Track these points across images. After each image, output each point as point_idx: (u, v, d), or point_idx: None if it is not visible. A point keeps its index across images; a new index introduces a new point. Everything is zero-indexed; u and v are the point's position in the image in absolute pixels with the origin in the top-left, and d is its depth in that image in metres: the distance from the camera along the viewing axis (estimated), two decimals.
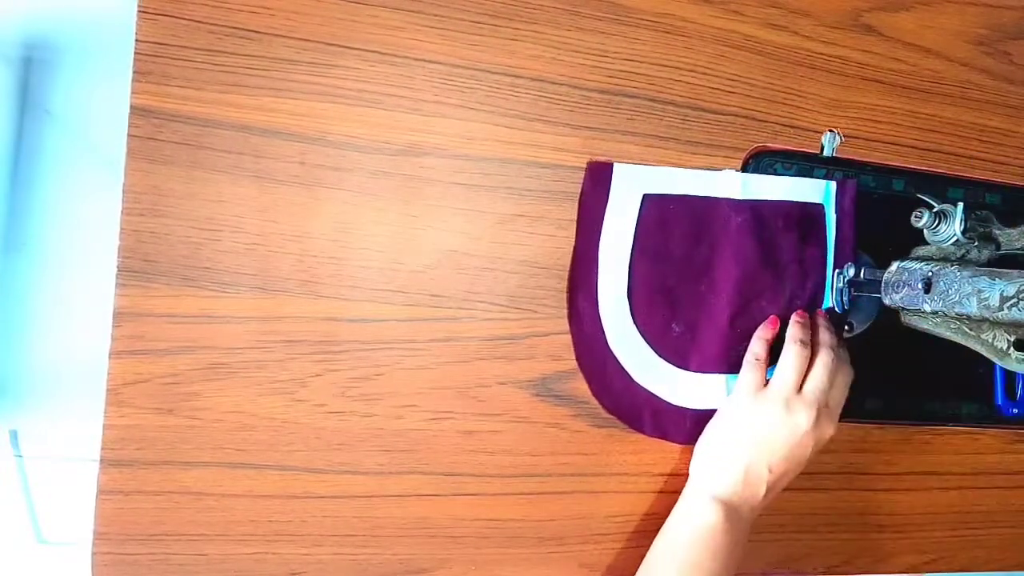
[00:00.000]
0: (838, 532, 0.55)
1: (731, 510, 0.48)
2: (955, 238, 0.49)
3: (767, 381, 0.51)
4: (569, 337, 0.51)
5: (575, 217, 0.51)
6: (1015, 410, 0.59)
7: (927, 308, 0.48)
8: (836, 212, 0.54)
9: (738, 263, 0.52)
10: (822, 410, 0.49)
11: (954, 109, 0.58)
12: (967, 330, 0.49)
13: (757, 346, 0.51)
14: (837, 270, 0.55)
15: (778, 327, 0.52)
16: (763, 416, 0.49)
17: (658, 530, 0.50)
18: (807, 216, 0.54)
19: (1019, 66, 0.59)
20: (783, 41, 0.54)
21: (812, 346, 0.51)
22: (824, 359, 0.50)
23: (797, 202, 0.54)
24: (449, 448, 0.50)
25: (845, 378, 0.51)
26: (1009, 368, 0.48)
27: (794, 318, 0.52)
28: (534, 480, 0.51)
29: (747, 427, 0.49)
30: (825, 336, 0.52)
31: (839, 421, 0.50)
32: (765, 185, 0.53)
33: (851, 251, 0.55)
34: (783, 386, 0.49)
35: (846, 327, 0.56)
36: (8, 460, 0.92)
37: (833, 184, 0.54)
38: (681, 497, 0.50)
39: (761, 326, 0.52)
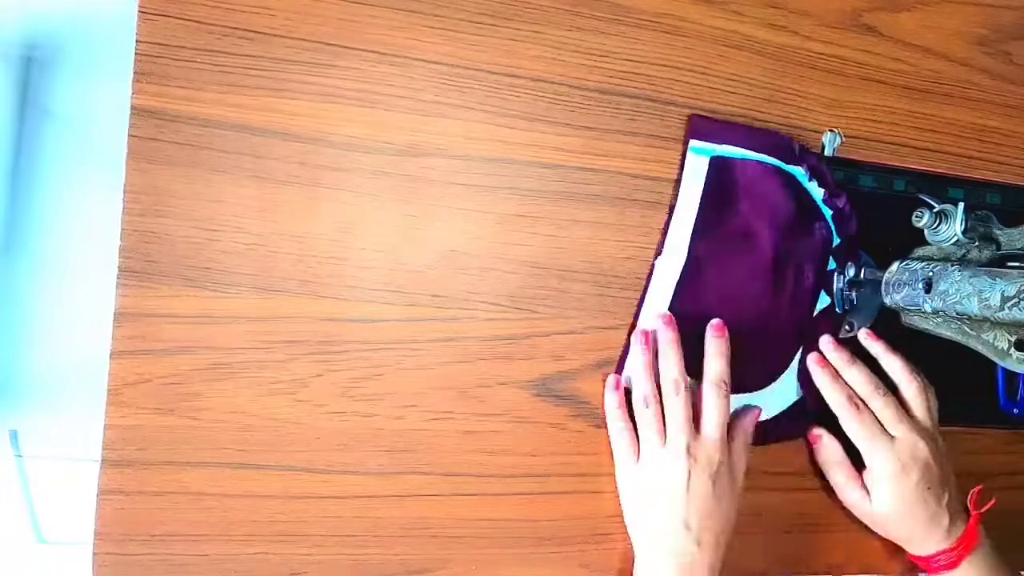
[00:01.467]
0: (838, 532, 0.55)
1: (690, 569, 0.47)
2: (955, 238, 0.49)
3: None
4: (569, 337, 0.51)
5: (575, 217, 0.51)
6: (1016, 410, 0.59)
7: (927, 308, 0.48)
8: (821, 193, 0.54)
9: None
10: (692, 447, 0.47)
11: (954, 109, 0.58)
12: (968, 330, 0.49)
13: (614, 416, 0.50)
14: (838, 270, 0.55)
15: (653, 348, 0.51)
16: (652, 484, 0.48)
17: None
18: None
19: (1019, 66, 0.59)
20: (783, 41, 0.54)
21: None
22: (675, 400, 0.48)
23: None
24: (450, 448, 0.50)
25: (714, 403, 0.49)
26: (1010, 368, 0.48)
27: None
28: (534, 480, 0.51)
29: (647, 500, 0.49)
30: (711, 367, 0.50)
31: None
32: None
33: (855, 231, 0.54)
34: (650, 446, 0.48)
35: (846, 327, 0.56)
36: (8, 460, 0.92)
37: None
38: (635, 569, 0.49)
39: (610, 386, 0.51)
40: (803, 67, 0.54)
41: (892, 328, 0.53)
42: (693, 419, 0.49)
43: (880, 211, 0.56)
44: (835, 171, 0.55)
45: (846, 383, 0.53)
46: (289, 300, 0.47)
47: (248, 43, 0.45)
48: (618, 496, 0.51)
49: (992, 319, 0.44)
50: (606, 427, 0.51)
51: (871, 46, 0.56)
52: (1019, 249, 0.49)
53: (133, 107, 0.44)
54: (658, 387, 0.50)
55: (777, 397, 0.54)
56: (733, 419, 0.51)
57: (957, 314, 0.46)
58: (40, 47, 0.82)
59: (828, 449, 0.54)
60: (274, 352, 0.47)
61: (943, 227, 0.50)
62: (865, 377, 0.52)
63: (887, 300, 0.51)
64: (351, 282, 0.48)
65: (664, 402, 0.49)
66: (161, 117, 0.44)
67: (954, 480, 0.52)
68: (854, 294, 0.54)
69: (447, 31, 0.48)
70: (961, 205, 0.49)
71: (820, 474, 0.55)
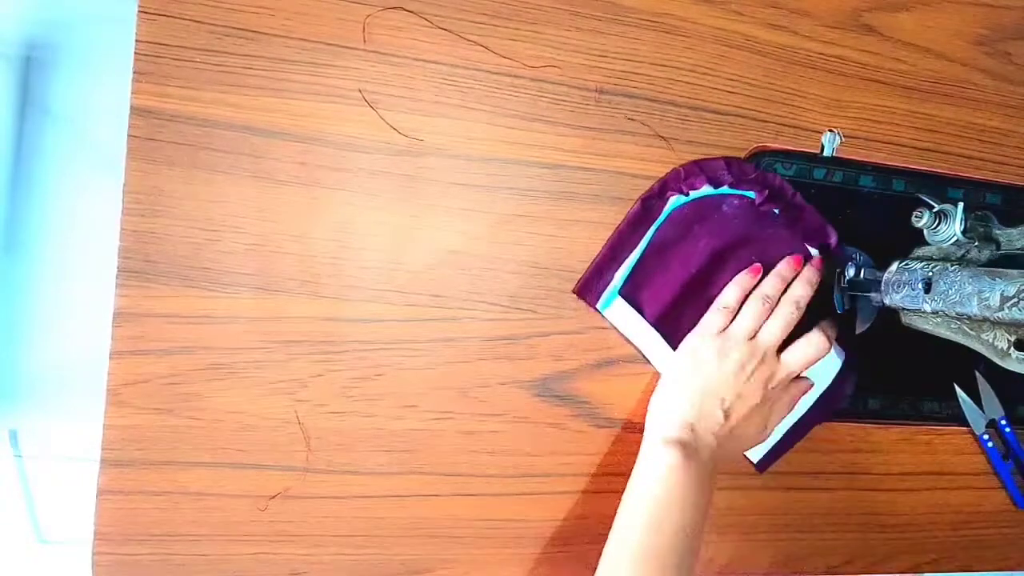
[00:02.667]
0: (838, 532, 0.55)
1: (688, 450, 0.47)
2: (955, 238, 0.49)
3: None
4: (569, 337, 0.51)
5: (575, 217, 0.51)
6: None
7: (927, 308, 0.48)
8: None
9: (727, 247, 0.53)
10: (768, 351, 0.50)
11: (954, 109, 0.58)
12: (967, 330, 0.49)
13: (730, 293, 0.52)
14: (838, 270, 0.55)
15: (759, 276, 0.53)
16: (704, 353, 0.50)
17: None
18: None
19: (1019, 66, 0.59)
20: (783, 41, 0.54)
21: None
22: (783, 310, 0.51)
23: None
24: (450, 448, 0.50)
25: (816, 338, 0.51)
26: (1009, 368, 0.48)
27: (777, 268, 0.53)
28: (534, 480, 0.51)
29: (699, 368, 0.50)
30: (796, 290, 0.52)
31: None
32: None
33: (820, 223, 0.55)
34: (731, 330, 0.51)
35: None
36: (8, 460, 0.92)
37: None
38: (639, 453, 0.49)
39: (741, 273, 0.52)
40: (803, 67, 0.54)
41: (892, 328, 0.53)
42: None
43: (880, 211, 0.56)
44: (835, 171, 0.55)
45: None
46: (289, 300, 0.47)
47: (248, 43, 0.45)
48: (621, 488, 0.51)
49: (992, 319, 0.44)
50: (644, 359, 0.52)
51: (871, 46, 0.56)
52: (1019, 249, 0.49)
53: (133, 107, 0.44)
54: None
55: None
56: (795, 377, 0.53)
57: (957, 314, 0.46)
58: (40, 47, 0.82)
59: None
60: (274, 352, 0.47)
61: (943, 227, 0.50)
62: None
63: (887, 300, 0.51)
64: (351, 282, 0.48)
65: (779, 310, 0.51)
66: (161, 117, 0.44)
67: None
68: (854, 294, 0.54)
69: (447, 31, 0.48)
70: (961, 205, 0.49)
71: (825, 475, 0.55)
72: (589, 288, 0.51)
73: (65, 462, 0.93)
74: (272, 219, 0.46)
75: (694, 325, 0.52)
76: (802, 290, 0.52)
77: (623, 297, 0.51)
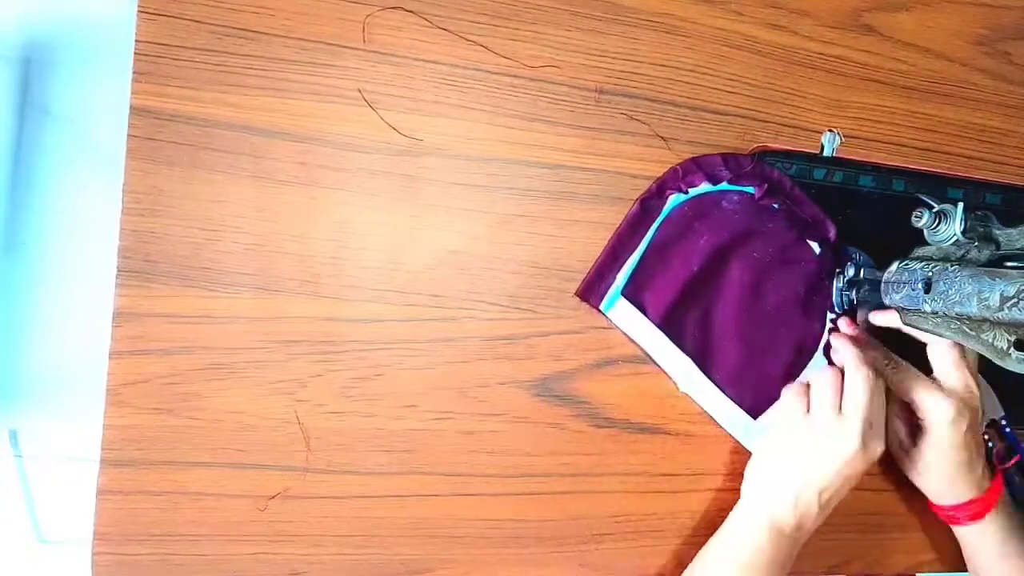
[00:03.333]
0: (838, 532, 0.55)
1: (779, 535, 0.48)
2: (955, 238, 0.49)
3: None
4: (569, 337, 0.51)
5: (575, 217, 0.51)
6: None
7: (927, 308, 0.48)
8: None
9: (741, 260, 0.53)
10: (867, 429, 0.48)
11: (954, 109, 0.58)
12: (967, 330, 0.49)
13: (823, 377, 0.51)
14: (837, 270, 0.55)
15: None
16: (812, 443, 0.49)
17: (658, 529, 0.50)
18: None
19: (1019, 66, 0.59)
20: (783, 41, 0.54)
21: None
22: (859, 375, 0.49)
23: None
24: (449, 448, 0.50)
25: (878, 391, 0.50)
26: (1009, 368, 0.48)
27: (832, 338, 0.53)
28: (534, 480, 0.51)
29: (797, 454, 0.49)
30: (850, 351, 0.51)
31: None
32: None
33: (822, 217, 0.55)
34: (825, 409, 0.49)
35: None
36: (8, 460, 0.92)
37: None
38: (732, 516, 0.51)
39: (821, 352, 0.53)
40: (803, 67, 0.54)
41: (892, 328, 0.53)
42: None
43: (880, 211, 0.56)
44: (835, 171, 0.55)
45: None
46: (289, 300, 0.47)
47: (248, 43, 0.45)
48: (621, 487, 0.51)
49: (992, 319, 0.44)
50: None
51: (871, 46, 0.56)
52: (1019, 249, 0.49)
53: (133, 107, 0.44)
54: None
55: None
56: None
57: (957, 314, 0.46)
58: (40, 47, 0.82)
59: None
60: (274, 352, 0.47)
61: (942, 227, 0.50)
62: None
63: (887, 300, 0.51)
64: (351, 282, 0.48)
65: (852, 376, 0.50)
66: (161, 117, 0.44)
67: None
68: (854, 294, 0.54)
69: (447, 31, 0.48)
70: (960, 205, 0.49)
71: None
72: (591, 290, 0.51)
73: (65, 462, 0.93)
74: (272, 219, 0.46)
75: (697, 324, 0.52)
76: (856, 350, 0.51)
77: (626, 298, 0.51)
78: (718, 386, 0.53)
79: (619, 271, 0.51)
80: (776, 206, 0.54)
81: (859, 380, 0.49)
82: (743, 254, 0.53)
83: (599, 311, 0.51)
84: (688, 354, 0.52)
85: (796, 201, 0.54)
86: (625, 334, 0.52)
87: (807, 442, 0.49)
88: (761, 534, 0.48)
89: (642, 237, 0.52)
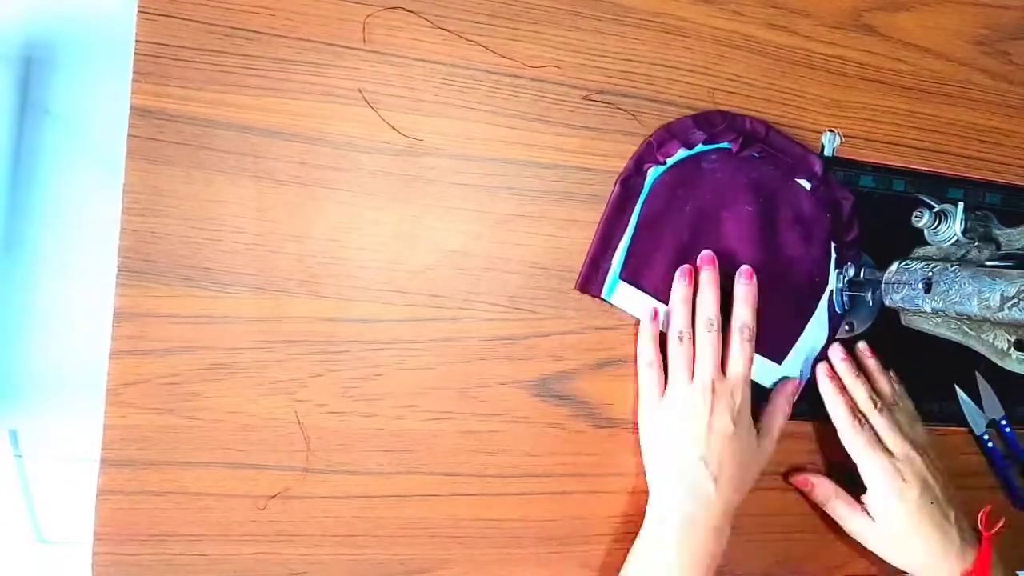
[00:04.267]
0: (838, 532, 0.55)
1: (688, 524, 0.48)
2: (955, 238, 0.49)
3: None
4: (568, 337, 0.51)
5: (575, 217, 0.51)
6: None
7: (927, 308, 0.48)
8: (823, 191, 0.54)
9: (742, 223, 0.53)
10: (716, 386, 0.48)
11: (954, 109, 0.58)
12: (967, 330, 0.49)
13: (647, 350, 0.51)
14: (837, 270, 0.55)
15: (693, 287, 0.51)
16: (664, 420, 0.49)
17: None
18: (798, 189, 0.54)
19: (1019, 66, 0.59)
20: (783, 41, 0.54)
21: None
22: (735, 342, 0.49)
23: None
24: (449, 448, 0.50)
25: (737, 348, 0.50)
26: (1009, 368, 0.48)
27: (702, 285, 0.51)
28: (534, 480, 0.51)
29: (663, 433, 0.49)
30: (741, 316, 0.50)
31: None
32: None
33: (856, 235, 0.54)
34: (674, 383, 0.49)
35: (846, 327, 0.56)
36: (8, 460, 0.92)
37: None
38: (645, 519, 0.50)
39: (648, 321, 0.51)
40: (803, 67, 0.54)
41: (892, 328, 0.53)
42: (721, 363, 0.50)
43: (880, 211, 0.56)
44: (835, 171, 0.55)
45: (850, 397, 0.53)
46: (289, 300, 0.47)
47: (248, 43, 0.45)
48: (621, 487, 0.51)
49: (992, 319, 0.44)
50: (635, 365, 0.52)
51: (871, 46, 0.56)
52: (1019, 249, 0.49)
53: (133, 107, 0.44)
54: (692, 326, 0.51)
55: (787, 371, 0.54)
56: (778, 382, 0.53)
57: (957, 314, 0.46)
58: (40, 47, 0.82)
59: (821, 488, 0.54)
60: (274, 352, 0.47)
61: (943, 227, 0.50)
62: (867, 392, 0.52)
63: (887, 300, 0.51)
64: (351, 282, 0.48)
65: (696, 338, 0.50)
66: (161, 117, 0.44)
67: (957, 500, 0.51)
68: (854, 294, 0.54)
69: (447, 31, 0.48)
70: (961, 205, 0.49)
71: (821, 474, 0.55)
72: (590, 281, 0.51)
73: (65, 462, 0.93)
74: (272, 219, 0.46)
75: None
76: (746, 314, 0.50)
77: (625, 281, 0.51)
78: None
79: (613, 256, 0.51)
80: (756, 154, 0.53)
81: (707, 342, 0.49)
82: (735, 210, 0.52)
83: (602, 299, 0.51)
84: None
85: (775, 146, 0.53)
86: (631, 315, 0.52)
87: (670, 420, 0.49)
88: (667, 533, 0.48)
89: (629, 217, 0.51)
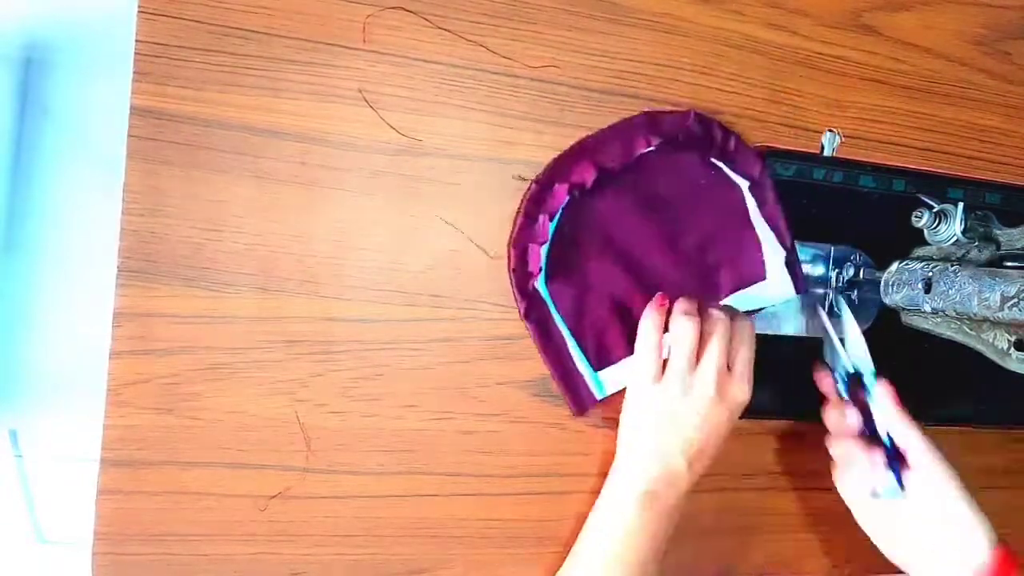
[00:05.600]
0: (838, 532, 0.55)
1: (652, 499, 0.47)
2: (955, 238, 0.49)
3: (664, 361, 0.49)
4: None
5: None
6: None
7: (927, 308, 0.48)
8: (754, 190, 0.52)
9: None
10: (724, 377, 0.47)
11: (954, 109, 0.58)
12: (967, 330, 0.49)
13: (650, 333, 0.49)
14: (836, 270, 0.55)
15: (668, 305, 0.49)
16: (664, 402, 0.48)
17: None
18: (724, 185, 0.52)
19: (1019, 66, 0.59)
20: (783, 41, 0.54)
21: (702, 315, 0.48)
22: (716, 326, 0.47)
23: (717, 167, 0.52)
24: (449, 448, 0.50)
25: (744, 336, 0.48)
26: (1009, 368, 0.48)
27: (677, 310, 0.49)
28: (534, 480, 0.51)
29: (651, 415, 0.48)
30: (712, 307, 0.49)
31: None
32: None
33: (786, 227, 0.53)
34: (678, 365, 0.47)
35: None
36: (8, 460, 0.92)
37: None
38: (605, 485, 0.49)
39: (649, 307, 0.49)
40: (803, 67, 0.54)
41: (892, 328, 0.53)
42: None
43: (880, 211, 0.56)
44: (835, 171, 0.55)
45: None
46: (289, 300, 0.47)
47: (248, 43, 0.45)
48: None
49: (992, 319, 0.44)
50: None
51: (871, 46, 0.56)
52: (1019, 249, 0.49)
53: (133, 107, 0.44)
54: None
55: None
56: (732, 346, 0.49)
57: (957, 314, 0.47)
58: (40, 47, 0.82)
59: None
60: (274, 352, 0.47)
61: (943, 227, 0.50)
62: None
63: (887, 300, 0.51)
64: (351, 282, 0.48)
65: (704, 326, 0.48)
66: (161, 117, 0.44)
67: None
68: (854, 294, 0.54)
69: (447, 31, 0.48)
70: (961, 205, 0.49)
71: (825, 475, 0.55)
72: (578, 399, 0.51)
73: (65, 462, 0.93)
74: (272, 219, 0.46)
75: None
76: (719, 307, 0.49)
77: (601, 369, 0.51)
78: None
79: (575, 363, 0.50)
80: (652, 148, 0.50)
81: (717, 330, 0.47)
82: (642, 228, 0.51)
83: (602, 401, 0.51)
84: None
85: (664, 127, 0.51)
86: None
87: (661, 404, 0.48)
88: (629, 506, 0.47)
89: (559, 331, 0.50)
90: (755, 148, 0.52)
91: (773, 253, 0.53)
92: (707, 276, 0.53)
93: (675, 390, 0.47)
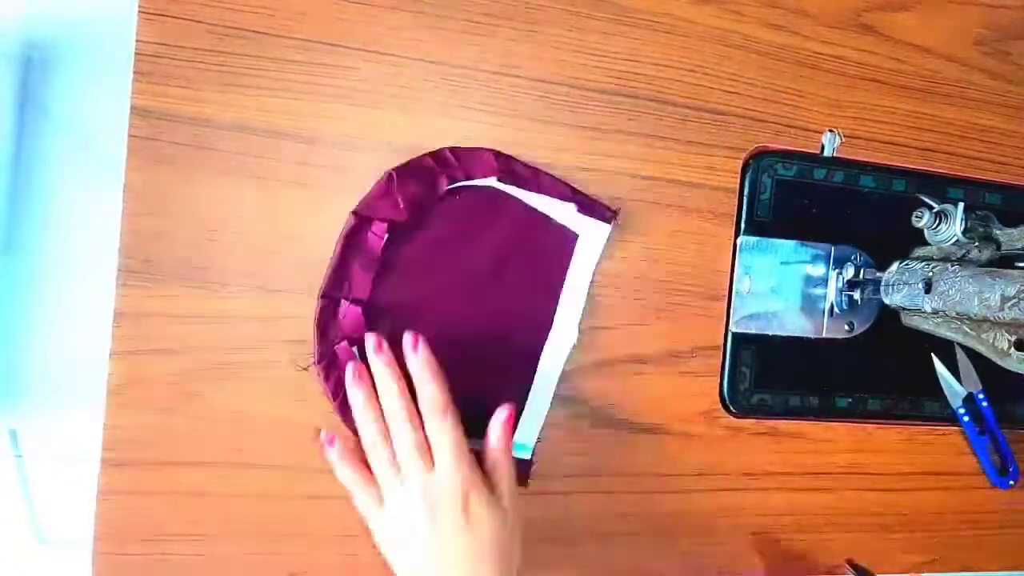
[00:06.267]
0: (838, 532, 0.55)
1: None
2: (955, 238, 0.49)
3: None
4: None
5: None
6: (1012, 481, 0.59)
7: (927, 308, 0.48)
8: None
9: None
10: (426, 481, 0.42)
11: (954, 109, 0.58)
12: (967, 330, 0.49)
13: (346, 475, 0.45)
14: (837, 270, 0.55)
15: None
16: (393, 528, 0.44)
17: (658, 529, 0.50)
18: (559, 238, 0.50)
19: (1019, 66, 0.59)
20: (783, 41, 0.54)
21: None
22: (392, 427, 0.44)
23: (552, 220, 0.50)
24: None
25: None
26: (1009, 368, 0.48)
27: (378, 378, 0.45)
28: (534, 480, 0.51)
29: (395, 548, 0.44)
30: (422, 393, 0.44)
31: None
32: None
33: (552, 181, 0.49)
34: (387, 490, 0.44)
35: (846, 327, 0.56)
36: (8, 460, 0.92)
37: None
38: None
39: (353, 388, 0.45)
40: (803, 67, 0.54)
41: (892, 328, 0.53)
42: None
43: (880, 211, 0.56)
44: (835, 171, 0.55)
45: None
46: (289, 300, 0.47)
47: (248, 43, 0.45)
48: (621, 487, 0.51)
49: (992, 319, 0.44)
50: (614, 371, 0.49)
51: (871, 46, 0.56)
52: (1019, 249, 0.49)
53: (133, 107, 0.44)
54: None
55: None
56: (486, 441, 0.45)
57: (957, 314, 0.47)
58: (40, 47, 0.82)
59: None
60: (274, 352, 0.46)
61: (943, 227, 0.50)
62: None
63: (887, 300, 0.51)
64: None
65: (392, 437, 0.44)
66: (161, 117, 0.44)
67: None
68: (854, 294, 0.54)
69: (447, 31, 0.48)
70: (961, 205, 0.49)
71: (825, 475, 0.55)
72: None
73: (65, 462, 0.94)
74: (272, 219, 0.46)
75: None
76: (430, 389, 0.44)
77: (520, 432, 0.49)
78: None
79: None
80: (451, 191, 0.48)
81: (402, 437, 0.43)
82: (455, 252, 0.49)
83: (532, 459, 0.50)
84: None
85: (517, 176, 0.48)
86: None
87: (398, 529, 0.43)
88: None
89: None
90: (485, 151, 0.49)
91: (570, 291, 0.50)
92: (507, 326, 0.50)
93: (398, 508, 0.43)
